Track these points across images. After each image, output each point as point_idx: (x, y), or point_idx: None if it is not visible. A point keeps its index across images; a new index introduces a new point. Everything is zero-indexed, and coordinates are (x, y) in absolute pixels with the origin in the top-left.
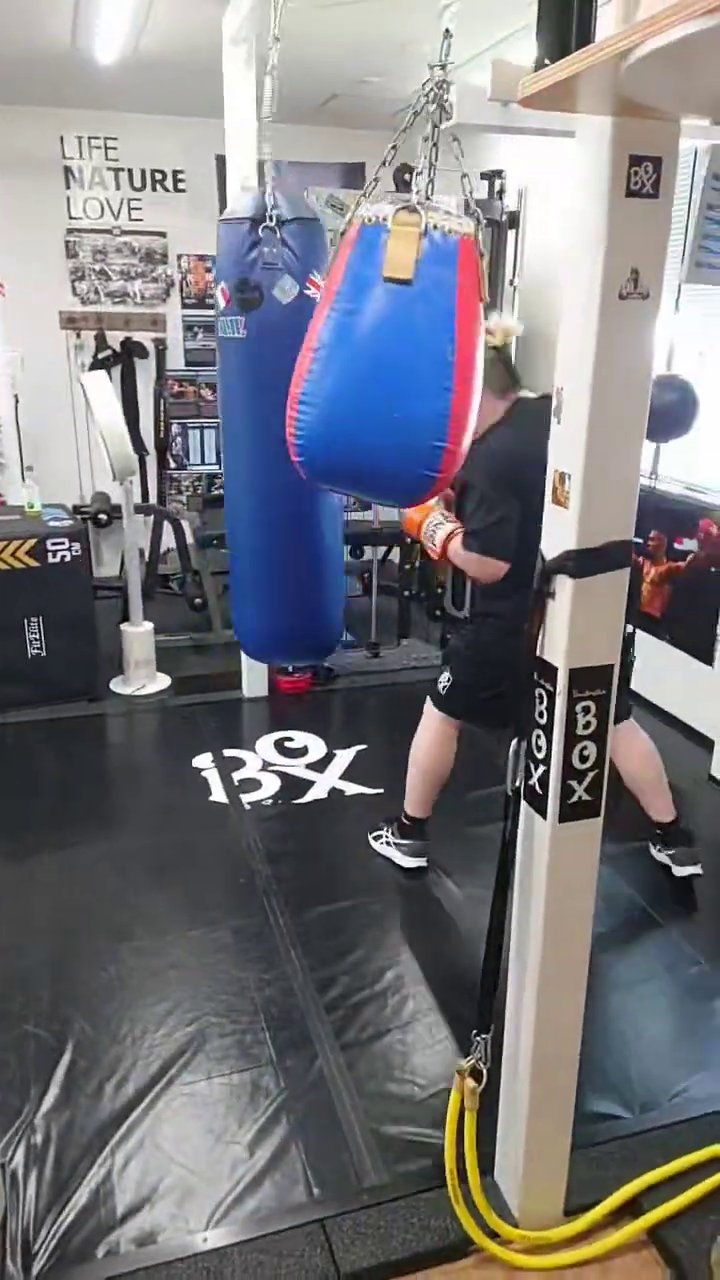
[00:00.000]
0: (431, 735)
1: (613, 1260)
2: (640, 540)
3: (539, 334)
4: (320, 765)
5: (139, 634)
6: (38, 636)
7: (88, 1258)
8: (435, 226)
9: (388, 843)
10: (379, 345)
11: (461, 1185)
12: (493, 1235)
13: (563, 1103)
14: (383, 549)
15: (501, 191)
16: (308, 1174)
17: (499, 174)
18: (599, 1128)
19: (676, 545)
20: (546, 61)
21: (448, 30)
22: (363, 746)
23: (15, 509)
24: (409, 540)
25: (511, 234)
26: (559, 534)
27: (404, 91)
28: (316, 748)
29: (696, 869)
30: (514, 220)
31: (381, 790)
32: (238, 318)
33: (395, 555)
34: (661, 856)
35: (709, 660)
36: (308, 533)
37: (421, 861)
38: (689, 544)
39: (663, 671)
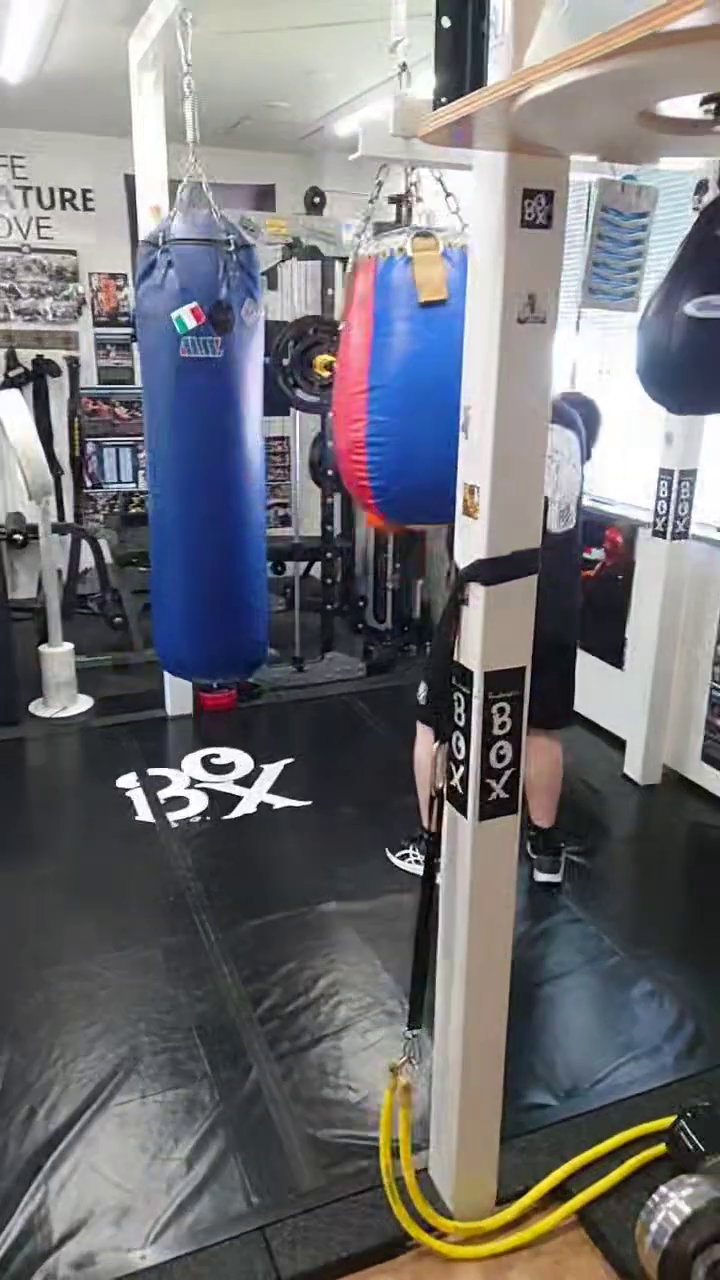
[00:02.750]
0: (419, 747)
1: (544, 1244)
2: None
3: None
4: (248, 780)
5: (59, 655)
6: None
7: None
8: (450, 245)
9: (416, 861)
10: (436, 369)
11: (397, 1182)
12: (429, 1229)
13: (491, 1094)
14: (304, 564)
15: (409, 215)
16: (246, 1184)
17: (404, 198)
18: (527, 1116)
19: (585, 555)
20: (444, 100)
21: (404, 64)
22: (290, 760)
23: None
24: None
25: None
26: (470, 544)
27: (310, 116)
28: (243, 763)
29: (555, 878)
30: None
31: (310, 802)
32: (212, 338)
33: (317, 570)
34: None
35: (619, 664)
36: (237, 550)
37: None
38: (597, 553)
39: (576, 676)
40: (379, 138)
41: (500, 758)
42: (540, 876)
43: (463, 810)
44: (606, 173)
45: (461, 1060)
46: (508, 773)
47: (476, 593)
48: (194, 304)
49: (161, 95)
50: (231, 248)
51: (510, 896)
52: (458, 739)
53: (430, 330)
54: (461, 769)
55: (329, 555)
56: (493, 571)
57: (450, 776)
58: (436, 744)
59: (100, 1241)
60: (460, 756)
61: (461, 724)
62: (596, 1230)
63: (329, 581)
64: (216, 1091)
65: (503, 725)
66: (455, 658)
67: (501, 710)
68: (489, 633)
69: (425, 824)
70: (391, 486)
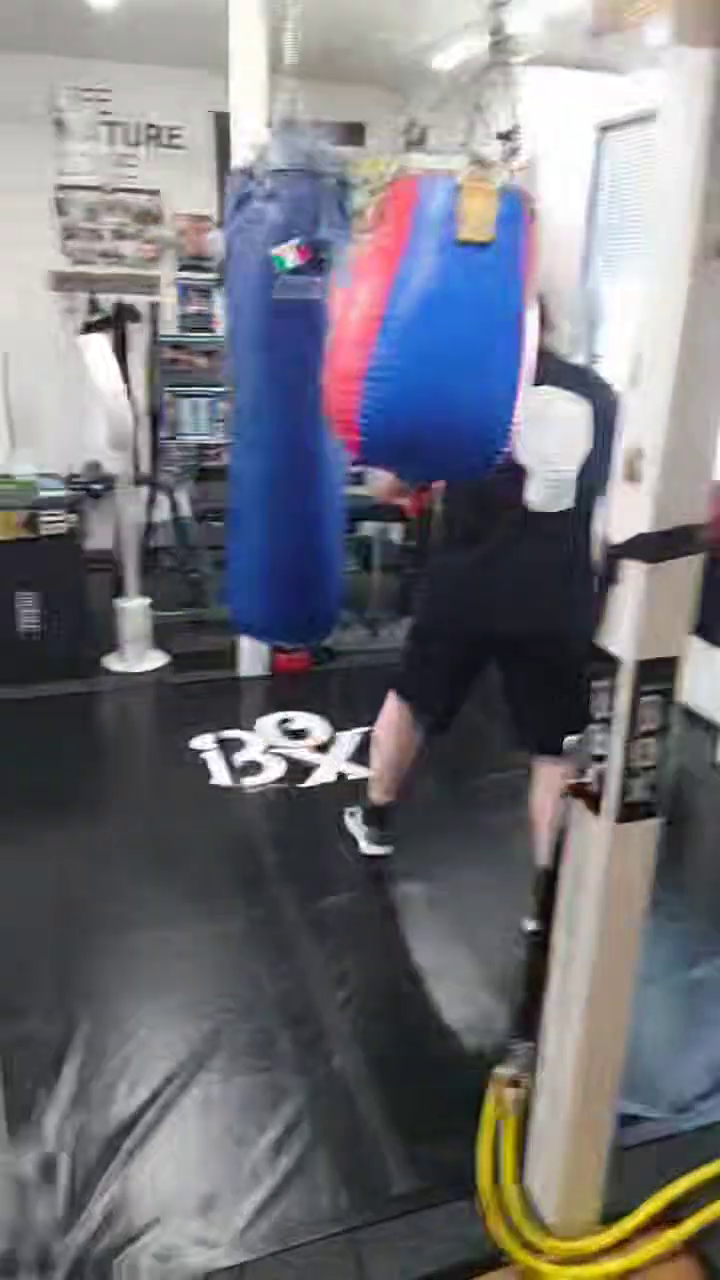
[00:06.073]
0: (384, 717)
1: (650, 1271)
2: None
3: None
4: (324, 747)
5: (135, 609)
6: (30, 610)
7: (106, 1274)
8: (508, 186)
9: (359, 823)
10: (458, 315)
11: (496, 1196)
12: (526, 1246)
13: (605, 1110)
14: (383, 525)
15: (515, 152)
16: (333, 1181)
17: (511, 134)
18: (630, 1130)
19: None
20: None
21: None
22: (365, 728)
23: (4, 478)
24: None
25: None
26: (630, 515)
27: (410, 47)
28: (319, 729)
29: None
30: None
31: None
32: (313, 279)
33: (397, 532)
34: None
35: (715, 642)
36: (319, 510)
37: (380, 850)
38: None
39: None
40: (564, 37)
41: (645, 755)
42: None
43: (596, 810)
44: None
45: (577, 1077)
46: (652, 772)
47: (634, 571)
48: (298, 241)
49: (263, 23)
50: (334, 182)
51: (643, 905)
52: (596, 732)
53: (462, 274)
54: (599, 766)
55: (409, 516)
56: (657, 547)
57: (582, 773)
58: (570, 742)
59: (184, 1233)
60: (599, 752)
61: (603, 716)
62: (708, 1262)
63: (412, 544)
64: (301, 1077)
65: (651, 719)
66: (600, 643)
67: (652, 704)
68: (645, 617)
69: (374, 795)
70: (381, 427)
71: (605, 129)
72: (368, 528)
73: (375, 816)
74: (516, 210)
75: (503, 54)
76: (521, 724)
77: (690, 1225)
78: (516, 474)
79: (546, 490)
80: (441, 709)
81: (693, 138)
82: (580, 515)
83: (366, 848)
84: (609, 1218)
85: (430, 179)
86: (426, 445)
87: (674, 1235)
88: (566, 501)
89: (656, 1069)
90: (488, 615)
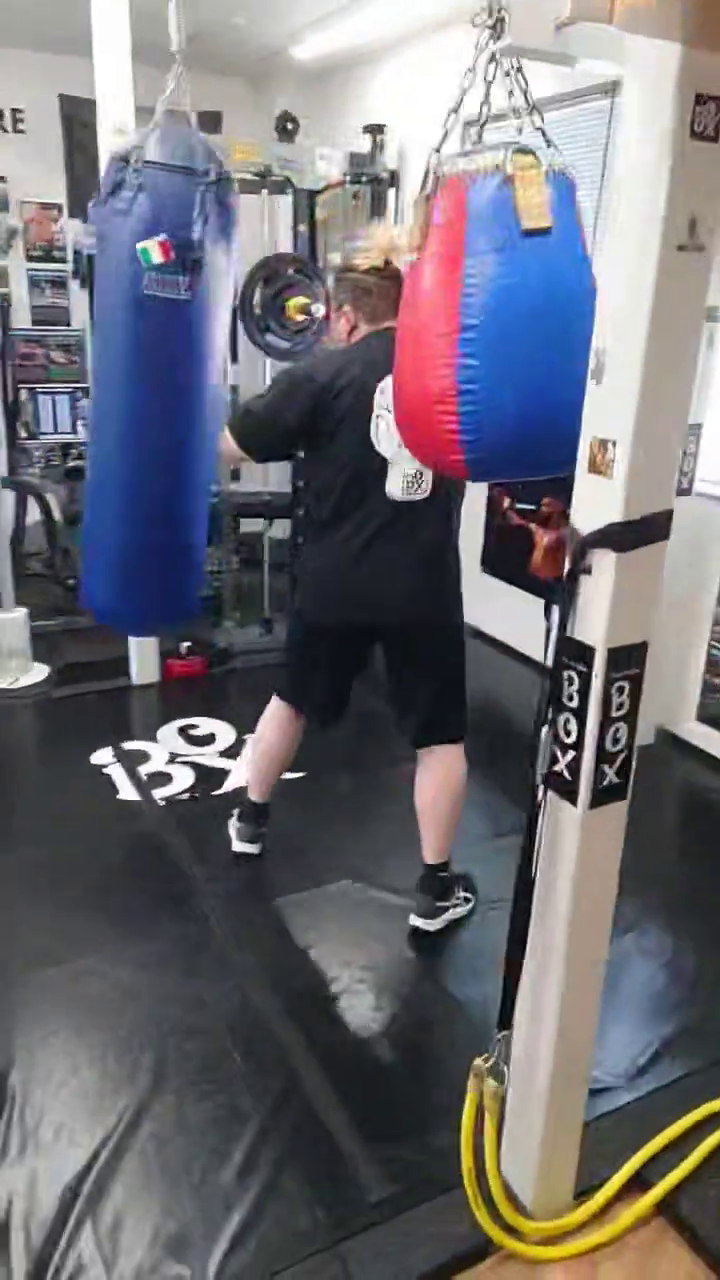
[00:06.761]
0: (267, 715)
1: (629, 1237)
2: (534, 507)
3: None
4: (232, 751)
5: (11, 621)
6: None
7: None
8: (551, 165)
9: (234, 821)
10: (537, 308)
11: (479, 1186)
12: (510, 1231)
13: (578, 1091)
14: (268, 522)
15: (383, 147)
16: (308, 1198)
17: (381, 129)
18: (590, 1103)
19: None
20: None
21: None
22: None
23: None
24: None
25: (392, 193)
26: (599, 505)
27: (269, 37)
28: (224, 733)
29: (426, 923)
30: (394, 179)
31: (304, 773)
32: (179, 278)
33: (281, 528)
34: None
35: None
36: (181, 502)
37: (248, 848)
38: None
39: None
40: (535, 23)
41: (616, 740)
42: (414, 919)
43: (571, 798)
44: None
45: (553, 1059)
46: (622, 757)
47: (604, 561)
48: (163, 237)
49: (127, 4)
50: (211, 178)
51: (614, 886)
52: (567, 720)
53: (532, 262)
54: (571, 754)
55: (299, 512)
56: (627, 537)
57: (554, 762)
58: (543, 728)
59: (163, 1278)
60: (571, 740)
61: (574, 705)
62: (681, 1219)
63: (299, 540)
64: (257, 1097)
65: (620, 705)
66: (569, 633)
67: (621, 689)
68: (616, 605)
69: (252, 794)
70: (486, 438)
71: (469, 125)
72: (255, 525)
73: (250, 815)
74: (566, 191)
75: (499, 38)
76: (404, 712)
77: (660, 1188)
78: (379, 465)
79: (404, 481)
80: (328, 704)
81: (660, 131)
82: (438, 505)
83: (235, 845)
84: (582, 1192)
85: (474, 177)
86: (531, 448)
87: (646, 1200)
88: (424, 491)
89: (604, 1039)
90: (355, 606)
